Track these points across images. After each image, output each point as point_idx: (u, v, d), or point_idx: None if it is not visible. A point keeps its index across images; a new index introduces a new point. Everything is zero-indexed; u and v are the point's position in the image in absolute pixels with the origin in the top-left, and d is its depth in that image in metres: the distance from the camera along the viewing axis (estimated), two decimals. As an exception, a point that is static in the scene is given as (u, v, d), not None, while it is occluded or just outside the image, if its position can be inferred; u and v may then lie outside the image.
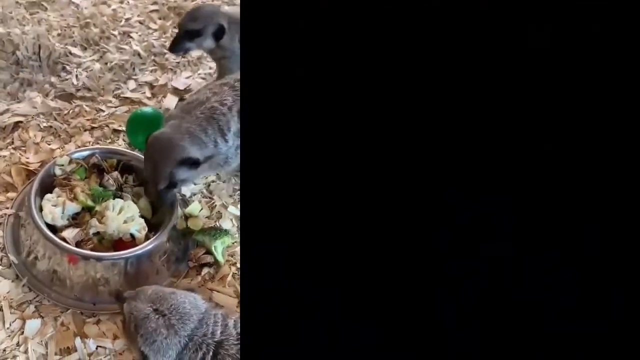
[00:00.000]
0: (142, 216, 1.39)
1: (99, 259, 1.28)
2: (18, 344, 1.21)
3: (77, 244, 1.30)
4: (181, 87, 1.90)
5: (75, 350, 1.22)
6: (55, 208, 1.33)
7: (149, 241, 1.32)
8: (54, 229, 1.33)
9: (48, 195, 1.36)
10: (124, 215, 1.34)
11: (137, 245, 1.32)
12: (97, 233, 1.33)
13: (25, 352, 1.20)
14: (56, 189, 1.38)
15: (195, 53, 2.01)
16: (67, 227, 1.34)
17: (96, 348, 1.22)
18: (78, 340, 1.23)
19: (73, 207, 1.34)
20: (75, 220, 1.36)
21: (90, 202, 1.36)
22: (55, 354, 1.21)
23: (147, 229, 1.36)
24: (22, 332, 1.22)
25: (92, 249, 1.30)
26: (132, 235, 1.34)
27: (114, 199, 1.38)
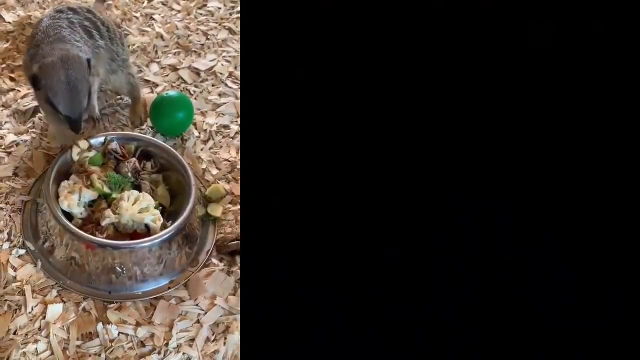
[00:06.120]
0: (160, 204, 1.38)
1: (115, 247, 1.27)
2: (40, 329, 1.21)
3: (93, 232, 1.29)
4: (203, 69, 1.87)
5: (97, 336, 1.22)
6: (72, 195, 1.32)
7: (166, 230, 1.30)
8: (70, 216, 1.33)
9: (64, 182, 1.36)
10: (139, 206, 1.32)
11: (152, 235, 1.31)
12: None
13: (47, 336, 1.20)
14: (72, 176, 1.37)
15: (220, 35, 1.99)
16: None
17: (118, 334, 1.22)
18: (100, 326, 1.23)
19: (89, 194, 1.34)
20: (92, 207, 1.35)
21: (106, 189, 1.35)
22: (77, 339, 1.21)
23: (162, 219, 1.34)
24: (44, 317, 1.23)
25: (108, 237, 1.29)
26: (146, 226, 1.33)
27: (132, 186, 1.37)
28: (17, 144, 1.55)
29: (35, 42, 1.41)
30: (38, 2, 2.03)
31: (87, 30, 1.49)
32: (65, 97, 1.31)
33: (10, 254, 1.32)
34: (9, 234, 1.35)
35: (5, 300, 1.24)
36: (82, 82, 1.33)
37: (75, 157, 1.40)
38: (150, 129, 1.65)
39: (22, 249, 1.33)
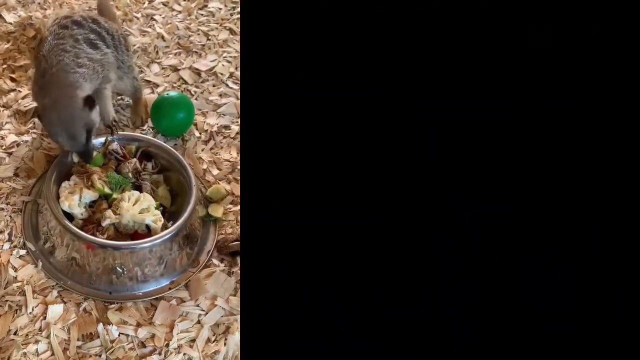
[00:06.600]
0: (160, 205, 1.38)
1: (116, 248, 1.27)
2: (40, 329, 1.21)
3: (94, 232, 1.29)
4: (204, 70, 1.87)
5: (98, 337, 1.22)
6: (72, 195, 1.32)
7: (167, 231, 1.30)
8: (71, 216, 1.33)
9: (65, 183, 1.36)
10: (139, 206, 1.32)
11: (152, 236, 1.30)
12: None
13: (48, 337, 1.20)
14: (73, 176, 1.37)
15: (221, 36, 1.99)
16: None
17: (118, 335, 1.22)
18: (100, 327, 1.22)
19: (90, 195, 1.34)
20: (92, 208, 1.35)
21: (107, 190, 1.35)
22: (78, 339, 1.21)
23: (162, 220, 1.34)
24: (45, 317, 1.23)
25: (108, 237, 1.29)
26: (147, 227, 1.33)
27: (132, 187, 1.38)
28: (18, 145, 1.55)
29: (41, 71, 1.41)
30: (39, 3, 2.03)
31: (92, 43, 1.49)
32: (63, 137, 1.34)
33: (11, 255, 1.32)
34: (9, 234, 1.35)
35: (6, 300, 1.24)
36: (76, 121, 1.33)
37: (76, 160, 1.40)
38: (151, 129, 1.65)
39: (22, 249, 1.33)
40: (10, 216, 1.39)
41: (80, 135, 1.33)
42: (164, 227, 1.32)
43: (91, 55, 1.46)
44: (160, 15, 2.06)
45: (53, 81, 1.38)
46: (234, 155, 1.62)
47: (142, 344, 1.21)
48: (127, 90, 1.64)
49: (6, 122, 1.61)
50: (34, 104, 1.62)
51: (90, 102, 1.35)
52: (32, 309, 1.24)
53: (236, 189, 1.53)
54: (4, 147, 1.54)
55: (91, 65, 1.44)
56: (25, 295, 1.26)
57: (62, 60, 1.40)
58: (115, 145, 1.45)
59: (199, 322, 1.26)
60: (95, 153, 1.42)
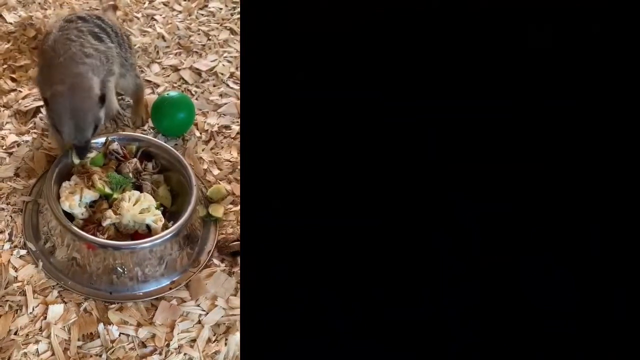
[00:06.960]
0: (161, 205, 1.38)
1: (117, 248, 1.27)
2: (41, 329, 1.21)
3: (94, 232, 1.29)
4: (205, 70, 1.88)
5: (98, 337, 1.22)
6: (73, 195, 1.32)
7: (167, 231, 1.30)
8: (71, 216, 1.33)
9: (65, 183, 1.36)
10: (140, 206, 1.32)
11: (153, 236, 1.31)
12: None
13: (48, 337, 1.20)
14: (74, 176, 1.37)
15: (222, 36, 1.99)
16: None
17: (119, 335, 1.22)
18: (101, 327, 1.23)
19: (91, 195, 1.34)
20: (93, 208, 1.35)
21: (108, 190, 1.35)
22: (78, 339, 1.21)
23: (163, 220, 1.34)
24: (45, 317, 1.23)
25: (109, 237, 1.29)
26: (148, 227, 1.33)
27: (133, 187, 1.38)
28: (19, 145, 1.55)
29: (46, 61, 1.41)
30: (39, 3, 2.03)
31: (96, 36, 1.49)
32: (70, 127, 1.32)
33: (12, 255, 1.32)
34: (10, 234, 1.36)
35: (7, 300, 1.24)
36: (88, 114, 1.32)
37: (76, 161, 1.40)
38: (151, 129, 1.65)
39: (23, 249, 1.34)
40: (11, 216, 1.39)
41: (88, 130, 1.32)
42: (165, 227, 1.32)
43: (96, 46, 1.46)
44: (161, 15, 2.06)
45: (63, 70, 1.37)
46: (234, 155, 1.62)
47: (143, 344, 1.21)
48: (129, 89, 1.64)
49: (6, 122, 1.61)
50: (35, 104, 1.64)
51: (102, 99, 1.35)
52: (33, 309, 1.24)
53: (236, 189, 1.53)
54: (4, 147, 1.54)
55: (97, 56, 1.44)
56: (26, 295, 1.26)
57: (70, 50, 1.40)
58: (115, 145, 1.45)
59: (199, 322, 1.26)
60: (95, 153, 1.42)
